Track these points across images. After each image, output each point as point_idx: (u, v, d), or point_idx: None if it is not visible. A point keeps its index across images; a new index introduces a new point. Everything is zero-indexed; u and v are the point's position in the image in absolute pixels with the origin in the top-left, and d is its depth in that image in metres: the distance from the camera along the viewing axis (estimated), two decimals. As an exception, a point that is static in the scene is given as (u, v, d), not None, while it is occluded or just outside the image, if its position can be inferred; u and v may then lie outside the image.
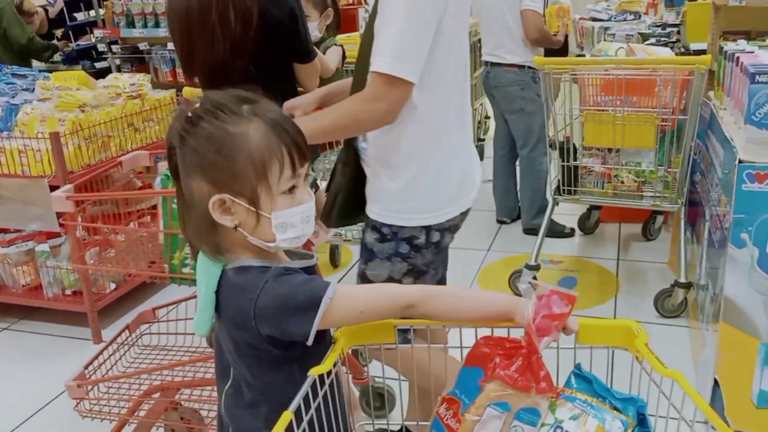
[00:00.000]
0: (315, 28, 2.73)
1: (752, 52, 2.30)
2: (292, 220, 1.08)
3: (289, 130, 1.08)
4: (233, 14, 1.87)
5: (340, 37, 4.31)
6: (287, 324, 1.05)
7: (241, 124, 1.05)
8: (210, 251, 1.10)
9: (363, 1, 6.98)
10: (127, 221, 3.22)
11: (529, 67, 3.64)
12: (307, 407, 0.98)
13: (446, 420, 1.01)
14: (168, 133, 1.09)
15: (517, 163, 4.02)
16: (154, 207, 3.39)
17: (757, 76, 1.97)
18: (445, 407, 1.00)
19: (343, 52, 2.97)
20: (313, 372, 1.00)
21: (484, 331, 1.07)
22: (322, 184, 3.05)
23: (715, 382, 2.06)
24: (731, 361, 2.02)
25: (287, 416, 0.93)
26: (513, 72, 3.70)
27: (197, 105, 1.08)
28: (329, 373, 1.04)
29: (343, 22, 5.90)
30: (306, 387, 0.98)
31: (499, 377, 0.97)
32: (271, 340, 1.07)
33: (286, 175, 1.06)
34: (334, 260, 3.68)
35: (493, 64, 3.79)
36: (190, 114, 1.06)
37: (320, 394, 1.01)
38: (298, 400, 0.96)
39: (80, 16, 6.49)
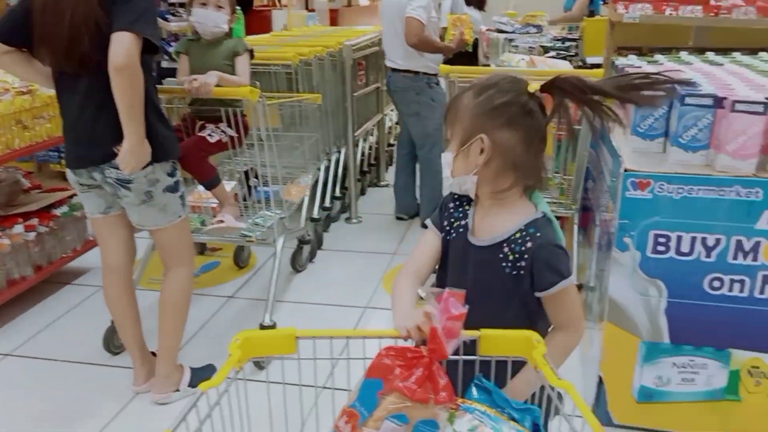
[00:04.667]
0: (225, 21, 2.71)
1: (639, 67, 2.46)
2: None
3: None
4: None
5: (249, 39, 4.25)
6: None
7: None
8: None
9: (277, 3, 6.92)
10: (12, 224, 3.03)
11: (424, 73, 3.82)
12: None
13: (345, 433, 1.01)
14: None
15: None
16: (44, 209, 3.21)
17: (642, 92, 2.10)
18: (344, 420, 0.99)
19: (252, 54, 2.92)
20: (202, 387, 0.96)
21: (388, 342, 1.08)
22: (228, 185, 3.04)
23: (600, 378, 2.17)
24: (614, 358, 2.14)
25: (167, 434, 0.88)
26: (409, 78, 3.87)
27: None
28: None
29: (257, 24, 5.82)
30: (193, 403, 0.94)
31: (397, 389, 0.97)
32: None
33: None
34: (239, 262, 3.62)
35: (393, 69, 3.95)
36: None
37: (211, 411, 0.98)
38: (181, 417, 0.91)
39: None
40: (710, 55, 2.75)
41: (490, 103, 1.27)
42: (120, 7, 1.98)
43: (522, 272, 1.28)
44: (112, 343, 2.74)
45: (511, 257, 1.29)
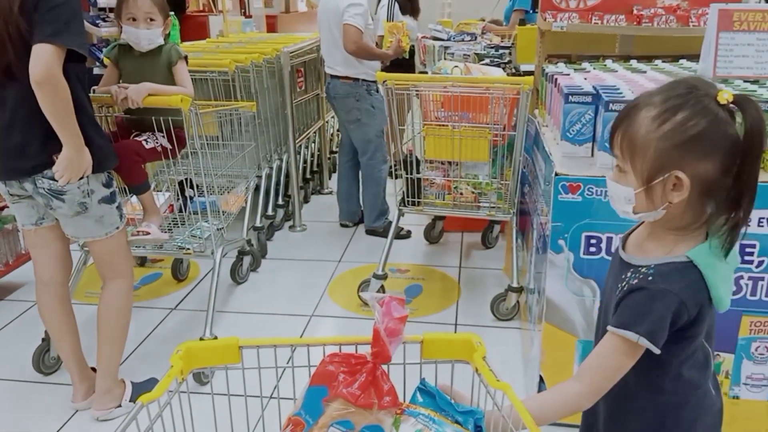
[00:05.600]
0: (159, 35, 2.63)
1: (568, 75, 2.56)
2: None
3: None
4: None
5: (185, 45, 4.20)
6: None
7: None
8: None
9: (213, 9, 6.83)
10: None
11: (363, 80, 3.88)
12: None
13: (290, 442, 1.02)
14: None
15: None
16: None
17: (570, 96, 2.19)
18: (289, 429, 1.00)
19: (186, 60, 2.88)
20: (142, 400, 0.96)
21: (332, 349, 1.09)
22: (162, 196, 2.98)
23: (541, 378, 2.25)
24: (553, 357, 2.21)
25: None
26: (348, 84, 3.92)
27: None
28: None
29: (193, 30, 5.72)
30: (132, 416, 0.93)
31: (341, 395, 0.98)
32: None
33: None
34: (178, 274, 3.55)
35: (332, 76, 4.00)
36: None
37: (152, 424, 0.97)
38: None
39: None
40: (634, 62, 2.88)
41: (683, 132, 1.08)
42: (43, 16, 1.92)
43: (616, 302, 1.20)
44: (42, 363, 2.66)
45: (623, 284, 1.20)
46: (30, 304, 3.19)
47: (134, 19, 2.56)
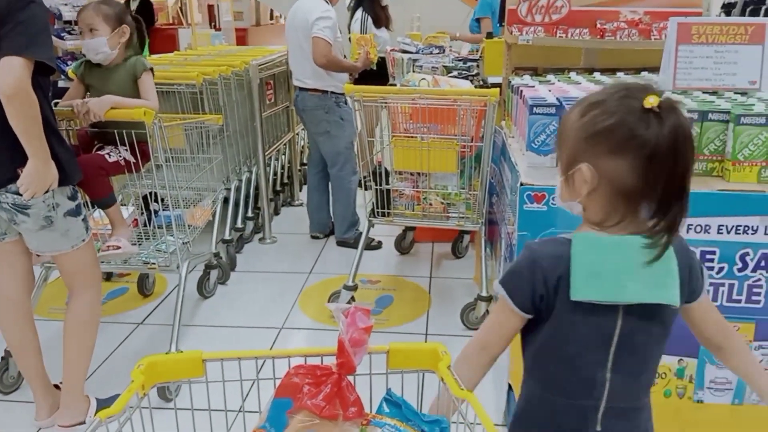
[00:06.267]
0: (104, 44, 2.59)
1: (533, 87, 2.60)
2: None
3: None
4: None
5: (153, 58, 4.17)
6: None
7: None
8: None
9: (182, 22, 6.81)
10: None
11: (332, 92, 3.89)
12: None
13: (254, 455, 1.01)
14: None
15: None
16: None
17: (534, 108, 2.23)
18: (254, 442, 1.00)
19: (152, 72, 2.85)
20: (101, 416, 0.94)
21: (297, 361, 1.09)
22: (127, 210, 2.94)
23: (509, 387, 2.26)
24: (521, 366, 2.22)
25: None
26: (317, 97, 3.93)
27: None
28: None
29: (161, 42, 5.69)
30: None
31: (306, 407, 0.98)
32: None
33: None
34: (144, 289, 3.50)
35: (300, 89, 4.00)
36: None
37: None
38: None
39: None
40: (597, 74, 2.94)
41: (593, 126, 1.11)
42: (11, 29, 1.89)
43: None
44: (0, 382, 2.60)
45: None
46: (-9, 321, 3.11)
47: (82, 32, 2.59)
